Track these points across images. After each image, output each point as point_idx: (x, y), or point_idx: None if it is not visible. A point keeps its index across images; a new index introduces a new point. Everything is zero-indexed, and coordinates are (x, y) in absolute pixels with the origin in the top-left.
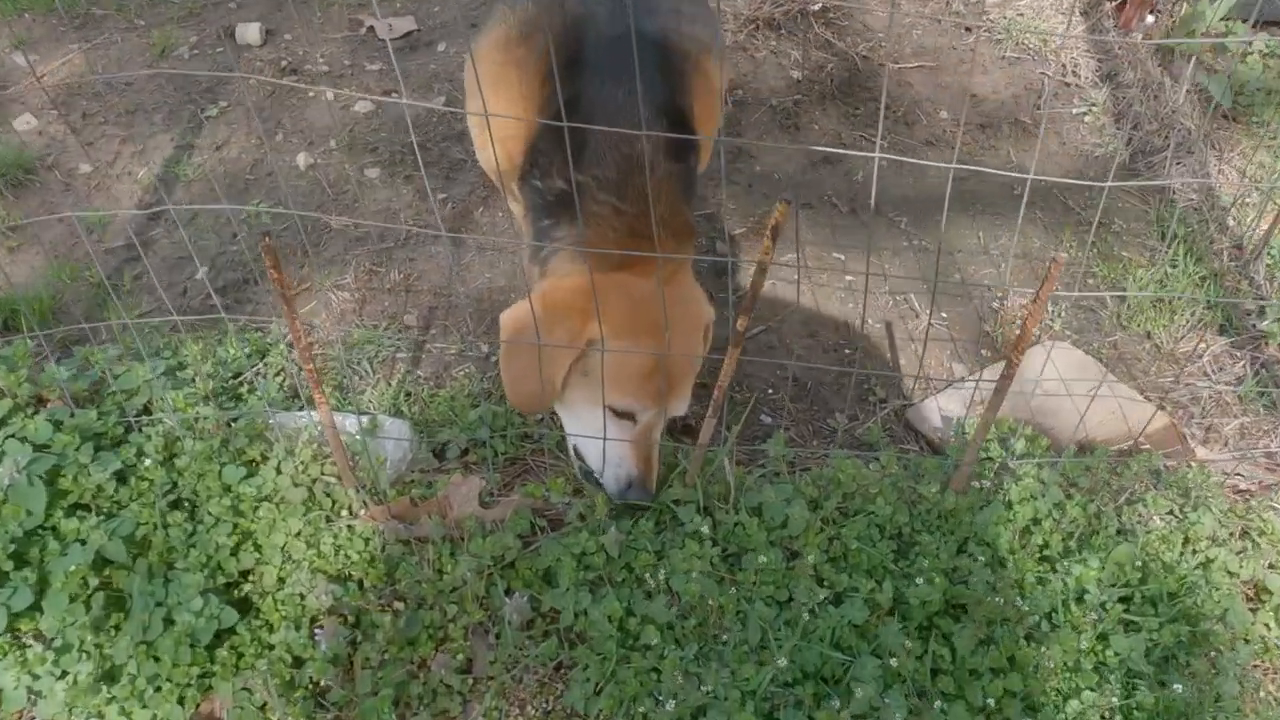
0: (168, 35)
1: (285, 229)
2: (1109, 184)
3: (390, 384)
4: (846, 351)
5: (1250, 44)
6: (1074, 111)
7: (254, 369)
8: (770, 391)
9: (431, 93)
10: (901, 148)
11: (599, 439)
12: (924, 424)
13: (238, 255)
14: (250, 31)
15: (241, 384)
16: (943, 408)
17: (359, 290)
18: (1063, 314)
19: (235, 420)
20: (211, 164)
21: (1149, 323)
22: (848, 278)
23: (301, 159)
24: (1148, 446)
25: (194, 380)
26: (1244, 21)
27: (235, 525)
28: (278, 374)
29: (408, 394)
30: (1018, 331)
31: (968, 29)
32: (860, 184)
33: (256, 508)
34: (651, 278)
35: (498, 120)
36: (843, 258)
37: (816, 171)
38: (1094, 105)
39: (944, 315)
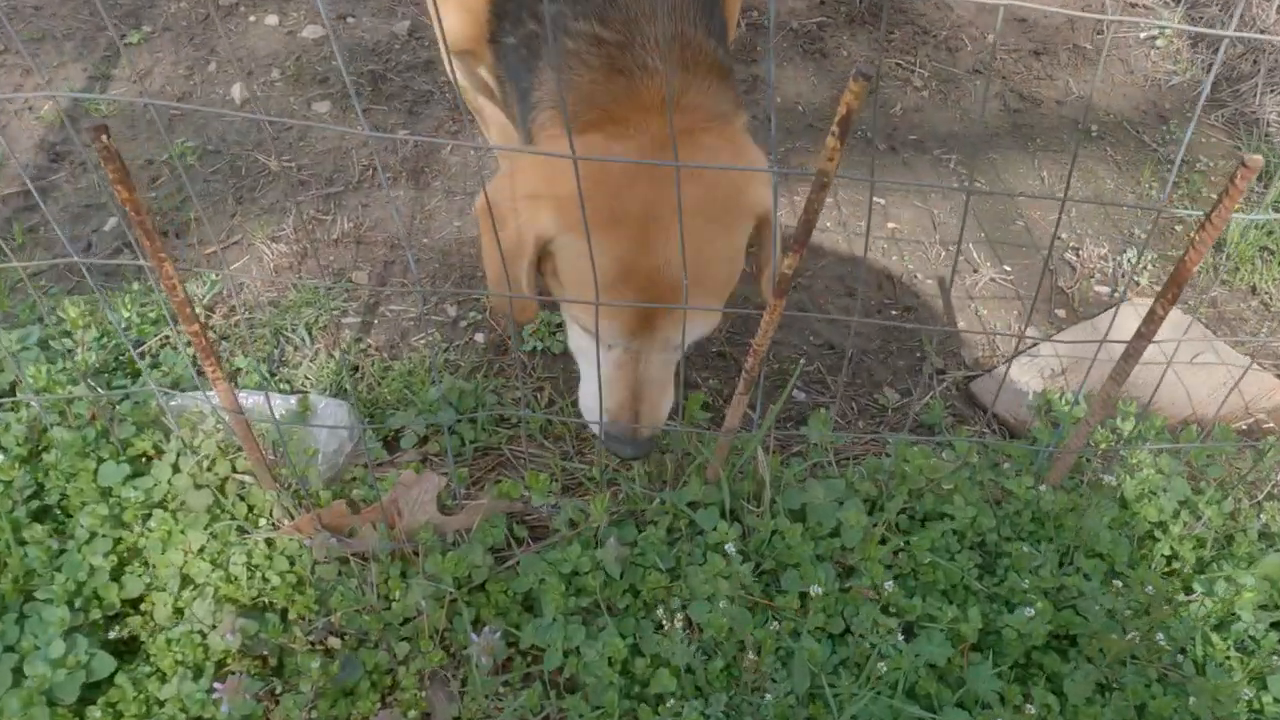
0: None
1: (215, 172)
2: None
3: (333, 355)
4: (893, 313)
5: None
6: (1142, 35)
7: (159, 337)
8: (804, 361)
9: (394, 17)
10: (944, 76)
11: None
12: (999, 401)
13: (156, 203)
14: None
15: (144, 355)
16: (1016, 380)
17: (299, 242)
18: (1149, 266)
19: (120, 403)
20: (131, 97)
21: (1254, 276)
22: (890, 225)
23: (237, 91)
24: (1270, 425)
25: (75, 352)
26: None
27: (117, 540)
28: (190, 344)
29: (354, 368)
30: (1173, 266)
31: None
32: (899, 117)
33: (145, 517)
34: (639, 139)
35: None
36: (883, 201)
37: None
38: (1165, 27)
39: (1007, 269)
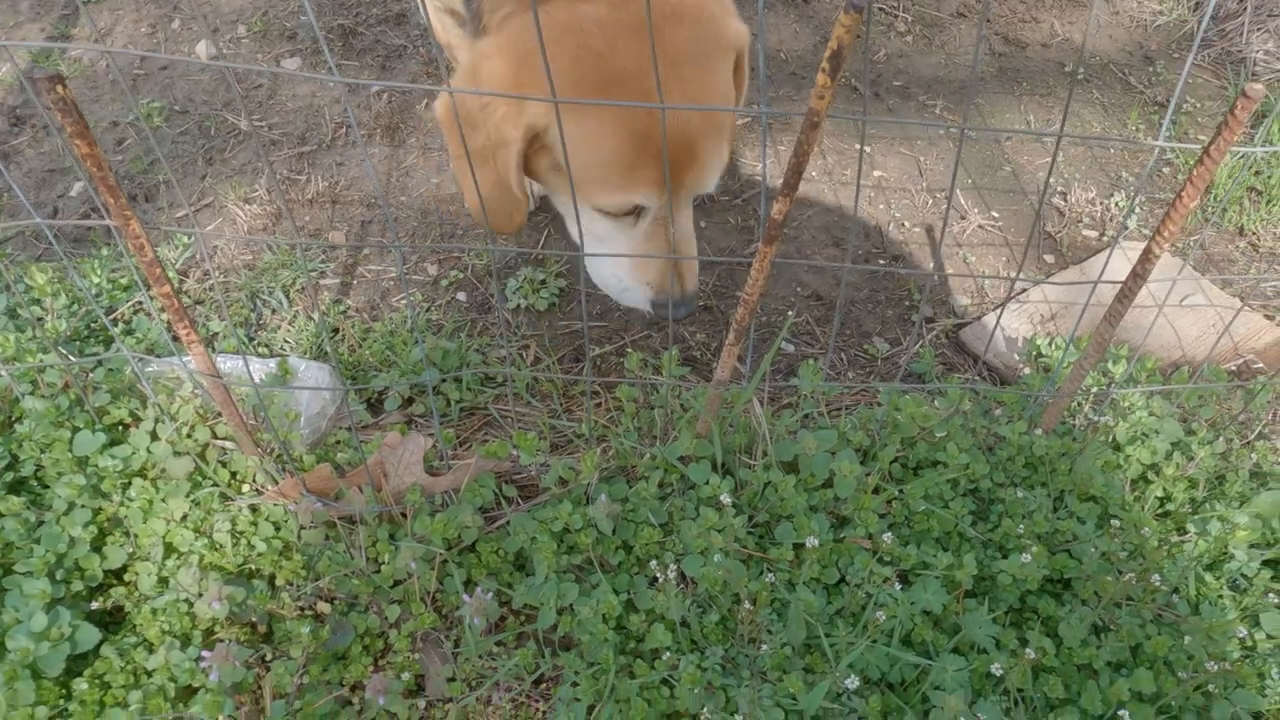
0: None
1: (183, 133)
2: None
3: (312, 318)
4: (881, 262)
5: None
6: None
7: (132, 303)
8: (791, 313)
9: None
10: (928, 20)
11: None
12: (989, 348)
13: (123, 166)
14: None
15: (116, 322)
16: (1005, 326)
17: (273, 203)
18: (1137, 209)
19: (94, 370)
20: (91, 57)
21: (1243, 216)
22: (876, 173)
23: (203, 49)
24: (1260, 365)
25: (45, 320)
26: None
27: (96, 511)
28: (165, 310)
29: (334, 330)
30: (1170, 205)
31: None
32: (884, 63)
33: (125, 486)
34: None
35: None
36: (869, 150)
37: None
38: None
39: (995, 215)
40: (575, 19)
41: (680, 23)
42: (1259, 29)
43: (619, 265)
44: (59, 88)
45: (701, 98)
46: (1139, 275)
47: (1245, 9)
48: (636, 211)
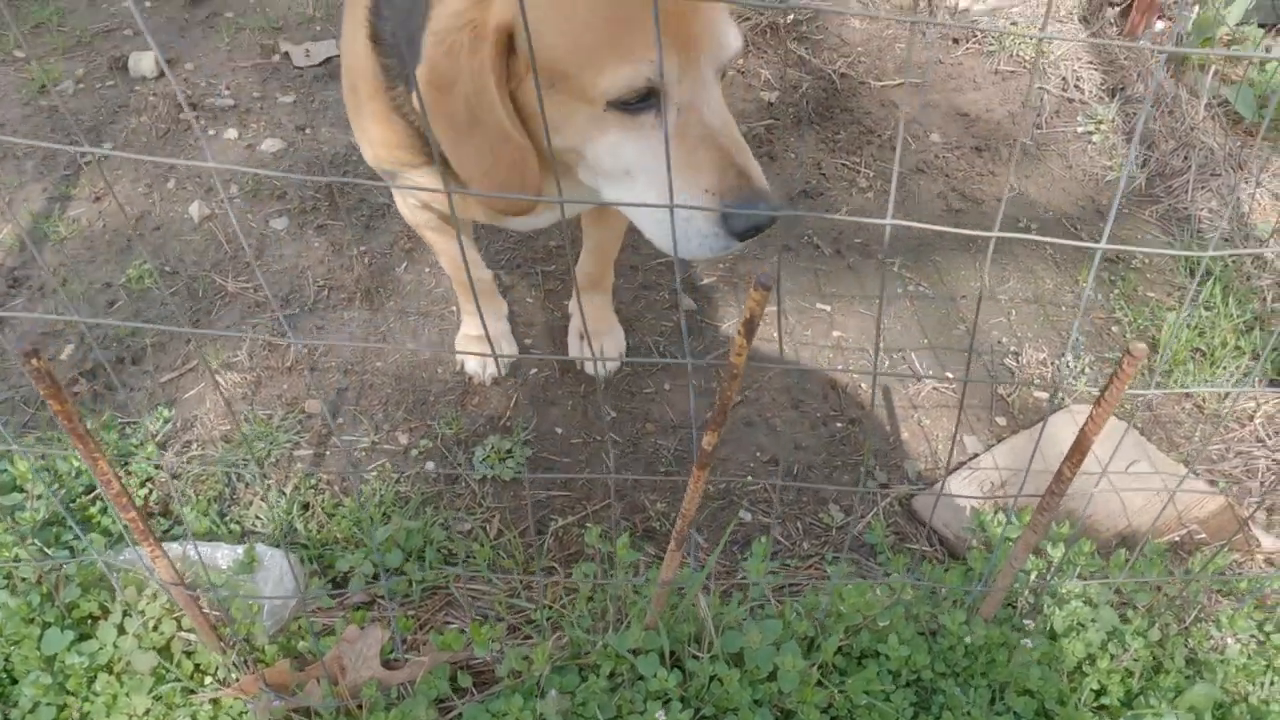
0: (50, 68)
1: (173, 293)
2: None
3: (284, 493)
4: (839, 425)
5: (1270, 50)
6: (1078, 130)
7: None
8: (749, 479)
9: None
10: (888, 175)
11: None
12: (935, 516)
13: (113, 330)
14: (144, 62)
15: (93, 503)
16: (955, 494)
17: (254, 370)
18: (1086, 369)
19: (64, 564)
20: (89, 218)
21: (1188, 377)
22: (835, 333)
23: (195, 209)
24: (1203, 536)
25: (24, 507)
26: (1261, 27)
27: (62, 707)
28: (144, 484)
29: (304, 506)
30: (1075, 438)
31: (955, 40)
32: (845, 221)
33: (90, 680)
34: None
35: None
36: (829, 309)
37: (794, 206)
38: (1100, 122)
39: (949, 375)
40: None
41: None
42: (1202, 187)
43: (665, 190)
44: (34, 360)
45: None
46: (1055, 493)
47: (1190, 167)
48: (650, 97)
